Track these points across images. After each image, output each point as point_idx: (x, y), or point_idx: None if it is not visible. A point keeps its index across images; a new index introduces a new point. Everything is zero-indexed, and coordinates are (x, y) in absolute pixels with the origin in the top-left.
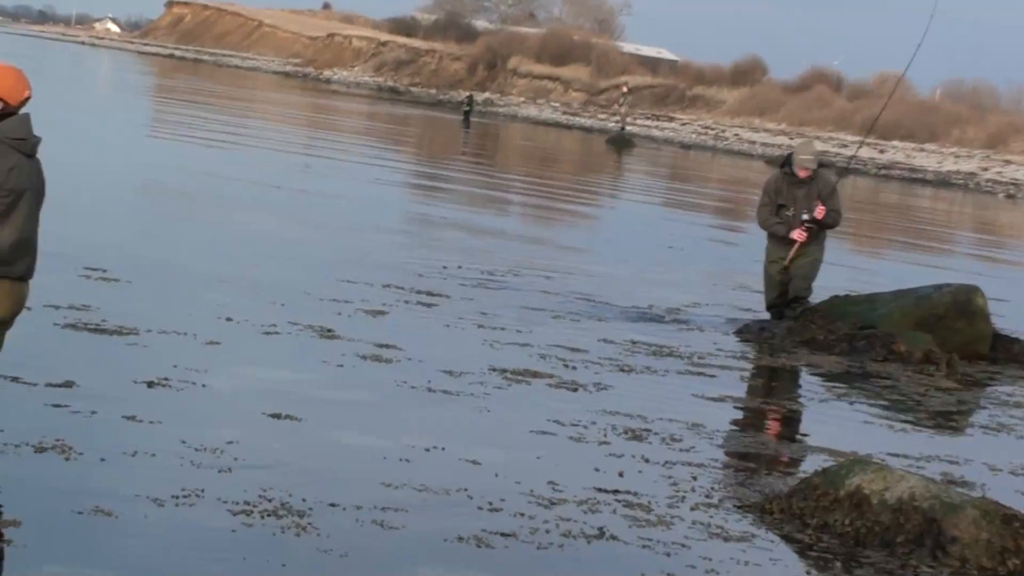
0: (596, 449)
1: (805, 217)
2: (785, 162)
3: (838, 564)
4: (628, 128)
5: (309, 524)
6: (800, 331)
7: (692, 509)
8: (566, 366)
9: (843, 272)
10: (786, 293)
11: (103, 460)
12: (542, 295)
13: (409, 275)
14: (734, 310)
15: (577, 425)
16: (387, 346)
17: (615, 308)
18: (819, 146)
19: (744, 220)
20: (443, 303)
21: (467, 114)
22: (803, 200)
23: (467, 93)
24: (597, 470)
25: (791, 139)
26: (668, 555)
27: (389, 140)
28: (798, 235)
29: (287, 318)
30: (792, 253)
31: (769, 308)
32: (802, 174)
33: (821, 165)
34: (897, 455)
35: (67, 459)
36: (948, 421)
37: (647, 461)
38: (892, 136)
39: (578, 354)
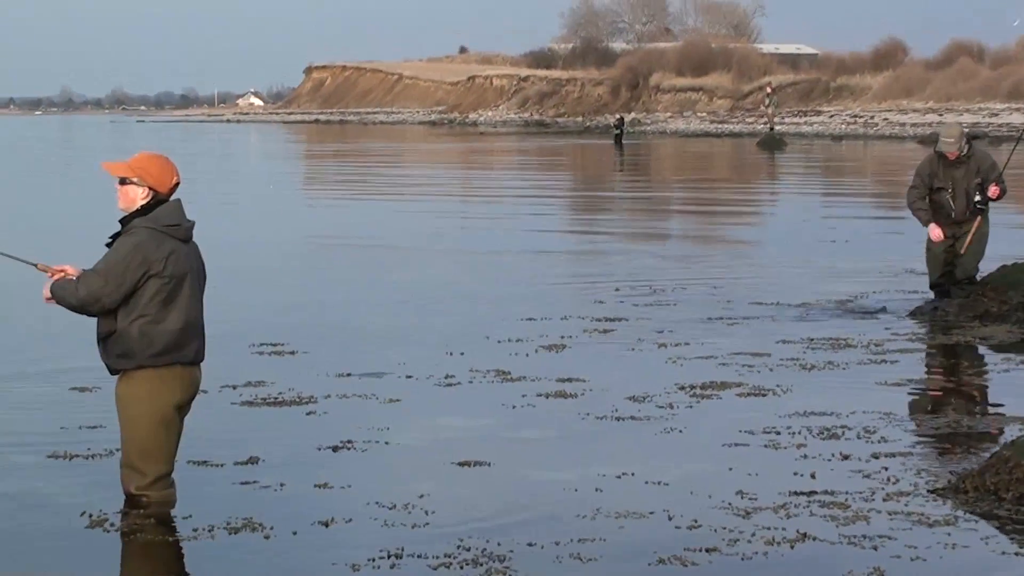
0: (789, 453)
1: (978, 199)
2: (936, 146)
3: None
4: (777, 128)
5: (510, 568)
6: (972, 306)
7: (886, 500)
8: (751, 372)
9: (1010, 240)
10: (950, 272)
11: (296, 533)
12: (715, 304)
13: (585, 303)
14: (904, 294)
15: (769, 432)
16: (569, 380)
17: (787, 307)
18: (968, 118)
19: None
20: (621, 327)
21: (618, 136)
22: (962, 179)
23: (617, 115)
24: (795, 474)
25: (940, 115)
26: (875, 549)
27: (544, 171)
28: (935, 235)
29: (467, 366)
30: (968, 239)
31: (933, 287)
32: (951, 156)
33: (974, 138)
34: None
35: (263, 536)
36: None
37: (840, 458)
38: None
39: (760, 359)
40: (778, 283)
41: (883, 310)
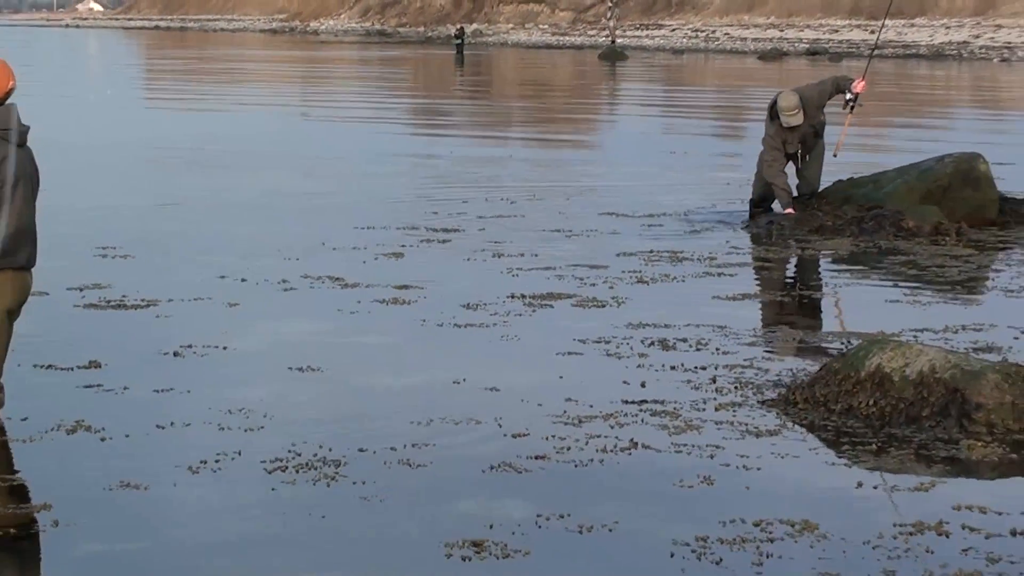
0: (621, 363)
1: (849, 97)
2: (774, 113)
3: (871, 446)
4: (618, 40)
5: (340, 473)
6: (808, 220)
7: (717, 410)
8: (587, 284)
9: (846, 156)
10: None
11: (132, 435)
12: (557, 216)
13: (424, 214)
14: (742, 208)
15: (601, 342)
16: (406, 287)
17: (630, 220)
18: (809, 34)
19: (744, 120)
20: (459, 238)
21: (459, 47)
22: (805, 137)
23: (457, 26)
24: (627, 383)
25: (781, 31)
26: (707, 457)
27: (385, 82)
28: (791, 213)
29: (303, 272)
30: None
31: (756, 202)
32: (794, 123)
33: (814, 53)
34: (922, 329)
35: (100, 439)
36: (969, 289)
37: (669, 368)
38: (881, 15)
39: (597, 271)
40: (622, 196)
41: (721, 223)
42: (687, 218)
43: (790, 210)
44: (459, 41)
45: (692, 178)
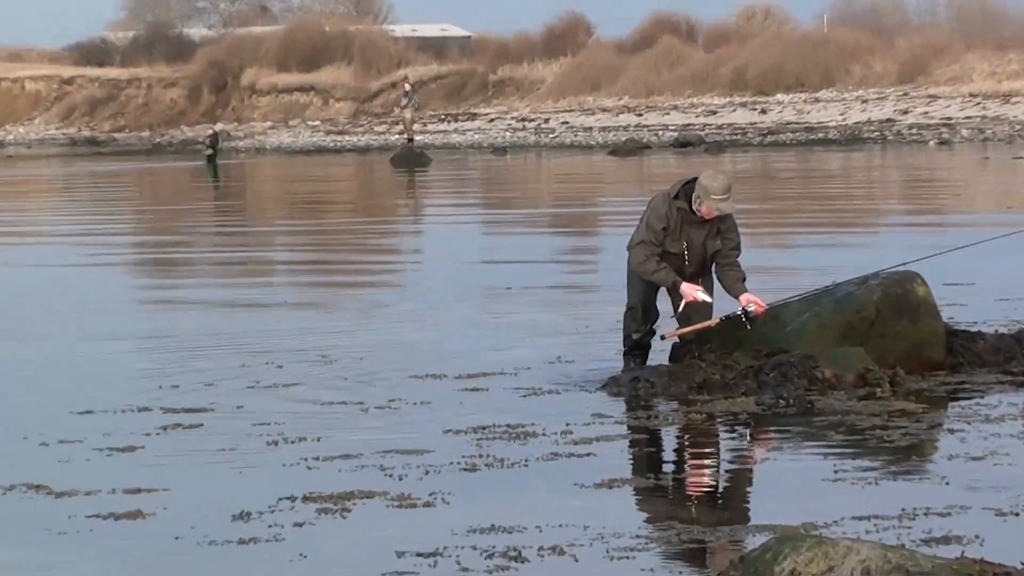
0: None
1: (750, 310)
2: (679, 193)
3: None
4: (417, 138)
5: None
6: (686, 374)
7: None
8: (398, 476)
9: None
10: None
11: None
12: (348, 383)
13: (162, 389)
14: (597, 359)
15: (425, 556)
16: (141, 491)
17: (447, 384)
18: (677, 118)
19: (596, 236)
20: (213, 420)
21: (211, 158)
22: (700, 241)
23: (210, 130)
24: None
25: (639, 115)
26: None
27: (100, 213)
28: (695, 296)
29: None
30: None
31: (634, 343)
32: (710, 215)
33: (686, 144)
34: (865, 517)
35: None
36: (919, 456)
37: None
38: (774, 89)
39: (411, 457)
40: (431, 350)
41: (573, 382)
42: (526, 377)
43: (690, 286)
44: (212, 151)
45: (528, 321)
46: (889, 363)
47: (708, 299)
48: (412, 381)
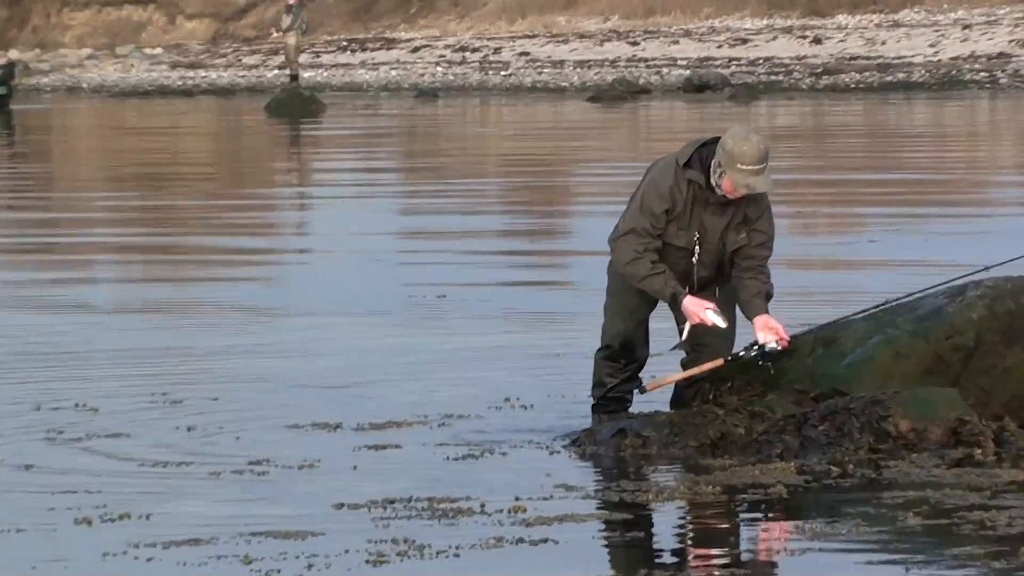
0: None
1: (772, 345)
2: (691, 159)
3: None
4: (305, 75)
5: None
6: (696, 426)
7: None
8: (274, 573)
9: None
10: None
11: None
12: (203, 432)
13: None
14: (560, 403)
15: None
16: None
17: (346, 437)
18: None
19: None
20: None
21: (3, 99)
22: (717, 231)
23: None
24: None
25: (634, 43)
26: None
27: None
28: (695, 312)
29: None
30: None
31: (605, 393)
32: (735, 194)
33: (703, 86)
34: None
35: None
36: None
37: None
38: (833, 7)
39: (294, 543)
40: (328, 383)
41: (529, 436)
42: (459, 428)
43: (707, 310)
44: (4, 91)
45: (466, 344)
46: (995, 412)
47: (722, 323)
48: (290, 432)
